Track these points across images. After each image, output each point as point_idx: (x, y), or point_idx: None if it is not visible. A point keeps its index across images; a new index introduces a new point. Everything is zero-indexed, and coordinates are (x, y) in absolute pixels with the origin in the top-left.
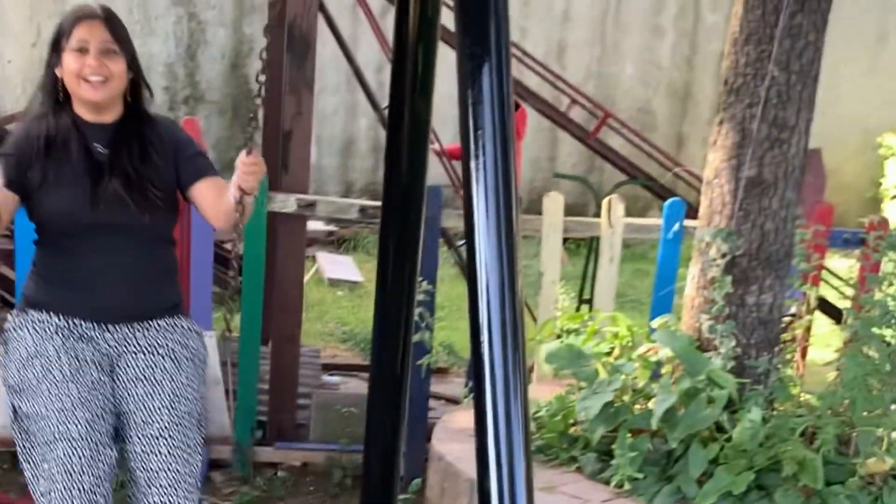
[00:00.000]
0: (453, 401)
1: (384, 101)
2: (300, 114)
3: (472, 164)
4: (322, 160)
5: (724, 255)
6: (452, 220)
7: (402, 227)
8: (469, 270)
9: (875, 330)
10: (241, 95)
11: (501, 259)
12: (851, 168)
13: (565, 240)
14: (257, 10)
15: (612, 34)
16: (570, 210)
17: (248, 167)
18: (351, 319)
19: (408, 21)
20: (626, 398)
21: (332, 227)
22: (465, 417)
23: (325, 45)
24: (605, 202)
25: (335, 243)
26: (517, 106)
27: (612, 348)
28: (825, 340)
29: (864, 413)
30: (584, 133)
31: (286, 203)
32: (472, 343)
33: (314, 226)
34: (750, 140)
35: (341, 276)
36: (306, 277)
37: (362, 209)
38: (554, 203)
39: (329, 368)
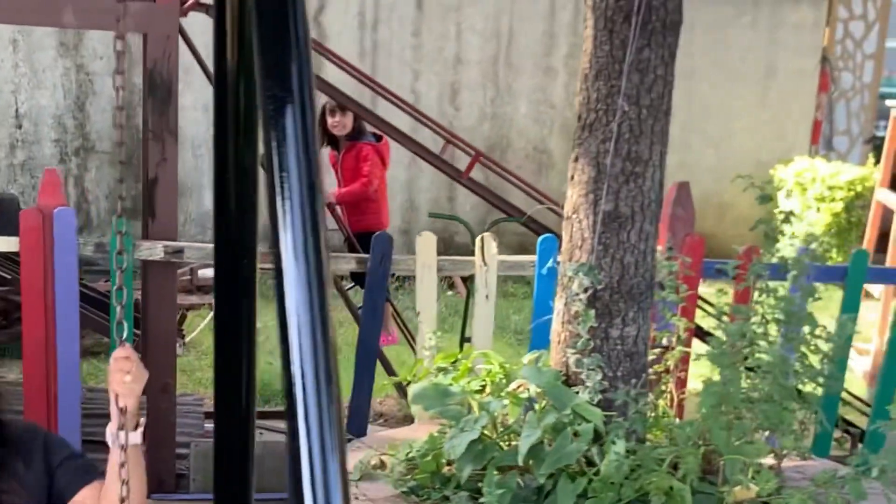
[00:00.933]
0: None
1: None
2: (164, 160)
3: (279, 209)
4: None
5: (586, 290)
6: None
7: (235, 277)
8: (279, 318)
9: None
10: (132, 145)
11: (312, 305)
12: (747, 200)
13: (465, 278)
14: None
15: (504, 75)
16: (465, 249)
17: (119, 363)
18: None
19: (225, 65)
20: (494, 435)
21: None
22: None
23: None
24: (478, 240)
25: None
26: (379, 137)
27: (484, 386)
28: (708, 369)
29: (735, 441)
30: (458, 173)
31: (153, 250)
32: (286, 396)
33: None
34: (605, 175)
35: None
36: (202, 324)
37: None
38: (426, 242)
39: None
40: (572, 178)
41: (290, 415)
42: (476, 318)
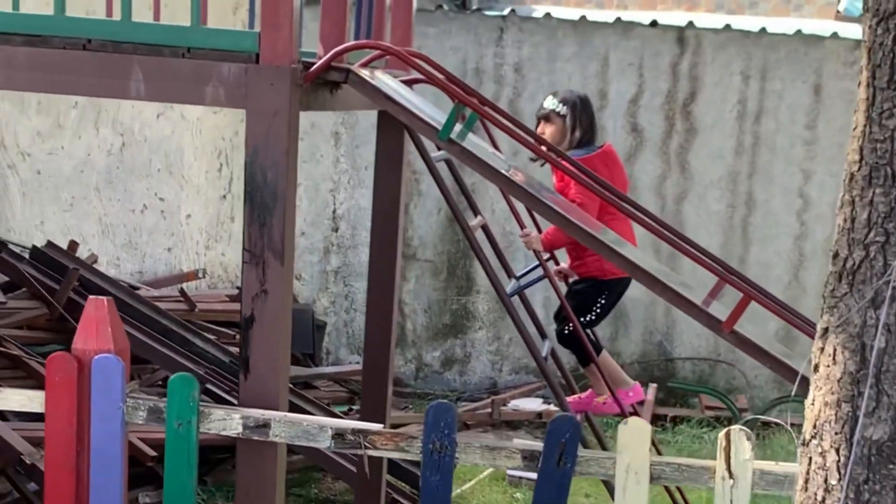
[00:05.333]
0: None
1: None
2: (265, 293)
3: None
4: None
5: None
6: None
7: None
8: None
9: None
10: (457, 254)
11: None
12: None
13: None
14: None
15: None
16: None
17: None
18: None
19: None
20: None
21: (548, 406)
22: None
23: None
24: (720, 436)
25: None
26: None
27: None
28: None
29: None
30: (715, 323)
31: (227, 422)
32: None
33: (526, 404)
34: (873, 369)
35: (523, 474)
36: (484, 473)
37: (338, 434)
38: (635, 435)
39: None
40: (816, 369)
41: None
42: None
